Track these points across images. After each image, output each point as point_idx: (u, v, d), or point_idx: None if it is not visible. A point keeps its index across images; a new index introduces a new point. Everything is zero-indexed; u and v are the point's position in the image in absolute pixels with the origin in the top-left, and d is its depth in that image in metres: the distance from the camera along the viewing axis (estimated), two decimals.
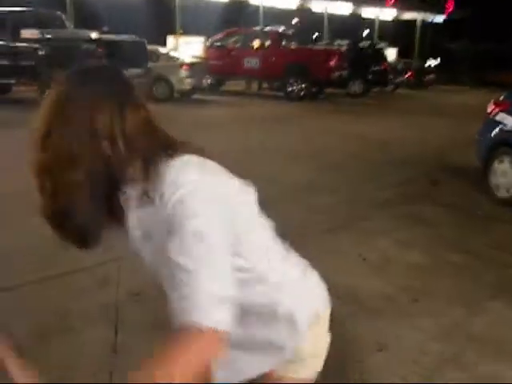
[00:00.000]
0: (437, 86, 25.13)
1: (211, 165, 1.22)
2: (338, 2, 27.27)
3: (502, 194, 6.16)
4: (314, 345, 1.47)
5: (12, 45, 12.47)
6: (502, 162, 6.18)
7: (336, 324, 3.26)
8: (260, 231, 1.33)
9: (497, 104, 6.56)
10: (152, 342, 2.91)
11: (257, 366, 1.45)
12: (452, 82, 27.69)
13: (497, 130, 6.32)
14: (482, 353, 3.01)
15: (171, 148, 1.18)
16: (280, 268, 1.36)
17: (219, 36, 18.56)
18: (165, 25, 21.79)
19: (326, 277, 4.04)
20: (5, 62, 12.57)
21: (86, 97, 1.15)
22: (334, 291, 3.69)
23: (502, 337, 3.22)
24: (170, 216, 1.10)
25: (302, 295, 1.42)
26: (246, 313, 1.28)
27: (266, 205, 1.55)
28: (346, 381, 2.71)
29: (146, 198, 1.15)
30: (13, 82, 13.23)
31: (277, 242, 1.38)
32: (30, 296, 3.51)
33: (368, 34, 34.79)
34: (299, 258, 1.48)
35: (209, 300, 1.07)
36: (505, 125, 6.22)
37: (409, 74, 23.92)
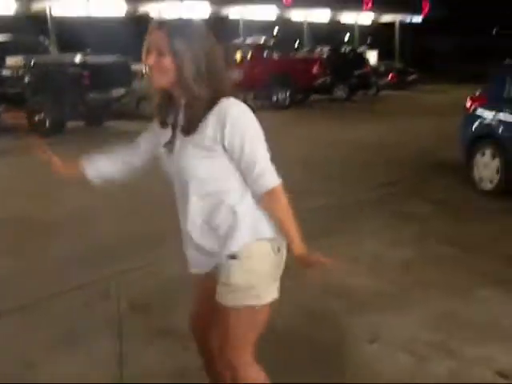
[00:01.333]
0: (420, 86, 25.41)
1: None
2: (317, 10, 27.53)
3: (486, 185, 6.35)
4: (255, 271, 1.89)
5: None
6: (483, 154, 6.37)
7: (329, 320, 3.43)
8: None
9: (473, 99, 6.76)
10: (156, 350, 3.05)
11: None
12: (434, 80, 27.99)
13: (476, 124, 6.52)
14: (471, 338, 3.16)
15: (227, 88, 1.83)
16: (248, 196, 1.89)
17: None
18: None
19: (321, 276, 4.21)
20: None
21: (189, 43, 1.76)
22: (328, 290, 3.87)
23: (490, 322, 3.37)
24: (225, 129, 1.75)
25: (253, 218, 1.88)
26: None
27: None
28: (340, 375, 2.85)
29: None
30: (0, 110, 13.32)
31: None
32: (37, 313, 3.64)
33: (348, 39, 35.15)
34: None
35: (271, 170, 1.84)
36: (483, 119, 6.42)
37: (391, 76, 24.21)
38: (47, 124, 12.24)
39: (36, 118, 12.27)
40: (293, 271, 3.99)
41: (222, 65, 1.86)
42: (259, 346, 2.93)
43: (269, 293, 1.94)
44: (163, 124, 1.96)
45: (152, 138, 2.07)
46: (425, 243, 4.83)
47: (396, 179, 7.36)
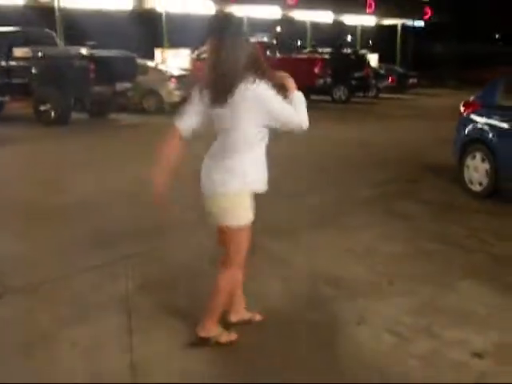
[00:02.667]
0: (419, 90, 25.72)
1: None
2: (320, 11, 27.78)
3: (476, 187, 6.63)
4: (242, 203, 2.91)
5: (5, 64, 12.86)
6: (474, 157, 6.66)
7: (321, 305, 3.71)
8: None
9: (467, 105, 7.05)
10: (163, 325, 3.34)
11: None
12: (434, 85, 28.32)
13: (468, 128, 6.81)
14: (450, 323, 3.46)
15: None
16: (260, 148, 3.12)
17: (204, 48, 19.03)
18: (152, 38, 22.26)
19: (314, 265, 4.62)
20: None
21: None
22: (321, 278, 4.16)
23: (467, 310, 3.66)
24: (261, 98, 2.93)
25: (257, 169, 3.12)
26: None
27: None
28: (330, 350, 3.15)
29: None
30: (6, 99, 13.58)
31: None
32: (48, 292, 3.91)
33: (350, 41, 35.44)
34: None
35: None
36: (475, 123, 6.72)
37: (391, 78, 24.49)
38: (52, 115, 12.51)
39: (42, 109, 12.55)
40: (290, 263, 4.35)
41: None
42: (261, 325, 3.27)
43: None
44: None
45: None
46: (413, 239, 5.11)
47: (391, 178, 7.66)
